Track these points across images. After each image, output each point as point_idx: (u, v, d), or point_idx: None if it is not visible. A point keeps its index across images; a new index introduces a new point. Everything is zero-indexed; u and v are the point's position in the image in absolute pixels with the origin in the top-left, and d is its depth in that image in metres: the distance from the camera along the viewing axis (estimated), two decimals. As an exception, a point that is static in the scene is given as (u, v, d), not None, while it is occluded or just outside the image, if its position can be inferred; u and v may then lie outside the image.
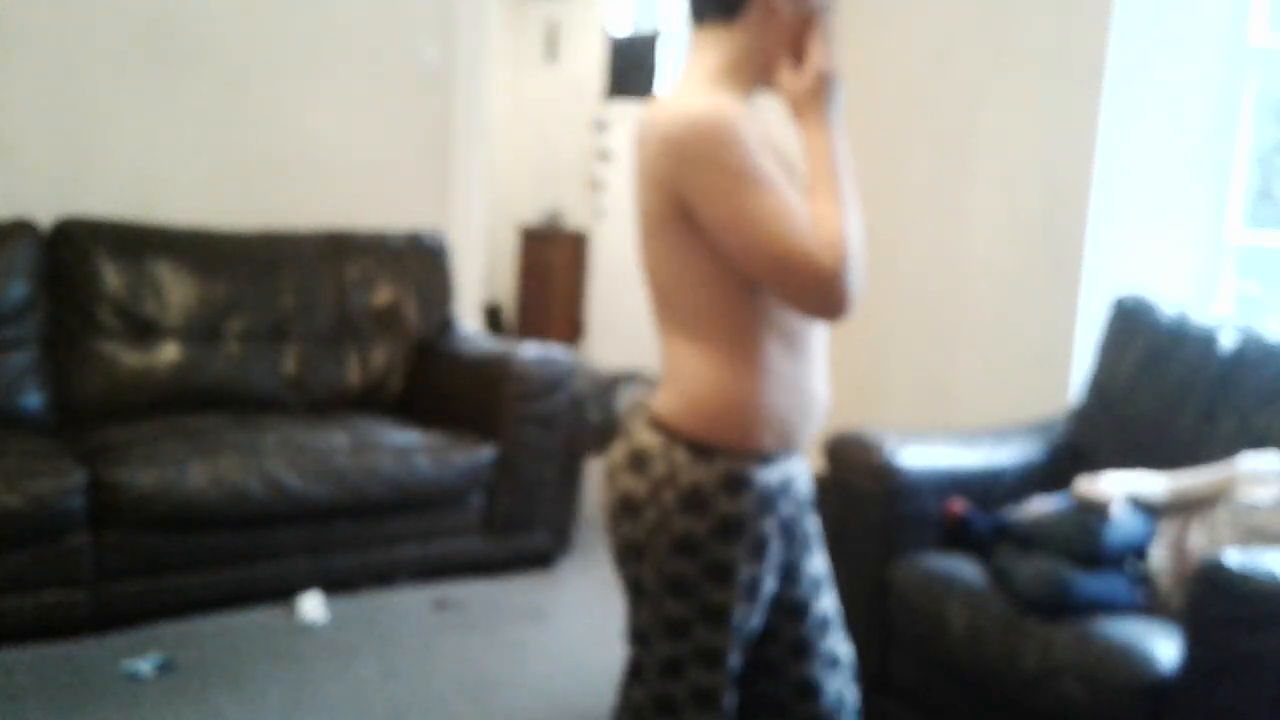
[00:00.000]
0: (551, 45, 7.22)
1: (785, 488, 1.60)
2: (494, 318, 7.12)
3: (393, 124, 4.21)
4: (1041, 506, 2.42)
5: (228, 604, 3.13)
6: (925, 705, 2.46)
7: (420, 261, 3.98)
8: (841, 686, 1.74)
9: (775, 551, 1.60)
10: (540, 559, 3.61)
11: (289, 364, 3.68)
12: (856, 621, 2.59)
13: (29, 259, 3.35)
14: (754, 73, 1.55)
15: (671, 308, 1.56)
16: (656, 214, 1.51)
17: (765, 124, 1.51)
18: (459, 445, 3.41)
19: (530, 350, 3.56)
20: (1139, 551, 2.32)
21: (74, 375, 3.37)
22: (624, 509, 1.60)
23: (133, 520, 2.92)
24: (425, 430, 3.44)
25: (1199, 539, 2.26)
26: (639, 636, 1.66)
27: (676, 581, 1.56)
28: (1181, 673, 1.99)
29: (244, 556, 3.13)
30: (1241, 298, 3.24)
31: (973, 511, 2.51)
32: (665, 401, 1.58)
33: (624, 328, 6.31)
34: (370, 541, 3.33)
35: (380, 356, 3.83)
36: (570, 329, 6.75)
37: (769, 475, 1.57)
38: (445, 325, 3.99)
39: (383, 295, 3.88)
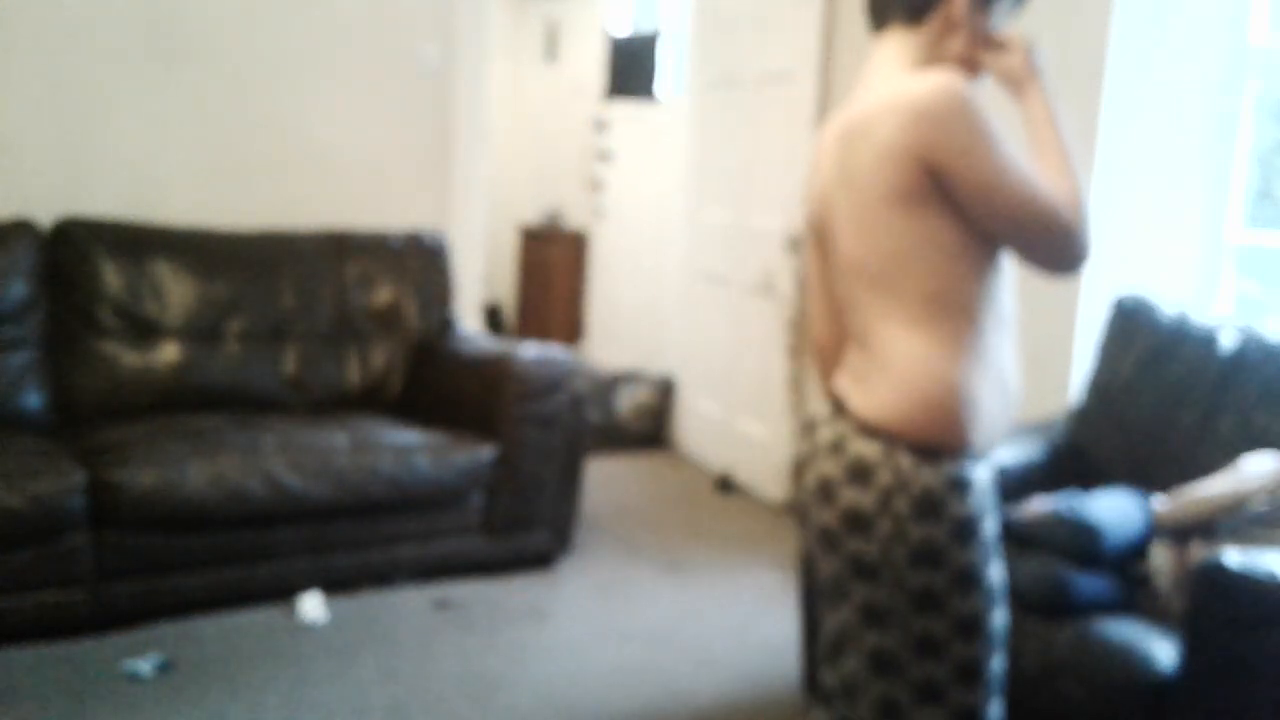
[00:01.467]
0: (551, 45, 7.22)
1: (989, 489, 1.57)
2: (494, 318, 7.13)
3: (393, 124, 4.22)
4: (1041, 506, 2.42)
5: (228, 604, 3.13)
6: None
7: (420, 261, 3.98)
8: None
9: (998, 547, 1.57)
10: (540, 559, 3.61)
11: (289, 364, 3.68)
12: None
13: (29, 259, 3.35)
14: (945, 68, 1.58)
15: (892, 294, 1.52)
16: (888, 193, 1.49)
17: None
18: (459, 445, 3.41)
19: (530, 350, 3.56)
20: (1139, 552, 2.32)
21: (74, 375, 3.37)
22: (851, 526, 1.53)
23: (133, 520, 2.92)
24: (425, 430, 3.44)
25: (1199, 542, 2.26)
26: (880, 663, 1.55)
27: (924, 594, 1.50)
28: (1181, 673, 1.99)
29: (244, 556, 3.13)
30: (1241, 298, 3.24)
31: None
32: (877, 403, 1.53)
33: (624, 328, 6.32)
34: (370, 541, 3.33)
35: (380, 356, 3.83)
36: (570, 329, 6.75)
37: (984, 474, 1.54)
38: (445, 325, 3.99)
39: (383, 295, 3.88)
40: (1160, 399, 2.70)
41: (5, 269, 3.29)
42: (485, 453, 3.43)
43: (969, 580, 1.51)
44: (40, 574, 2.82)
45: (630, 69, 6.25)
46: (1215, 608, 1.92)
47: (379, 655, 2.96)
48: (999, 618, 1.55)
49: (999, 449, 1.63)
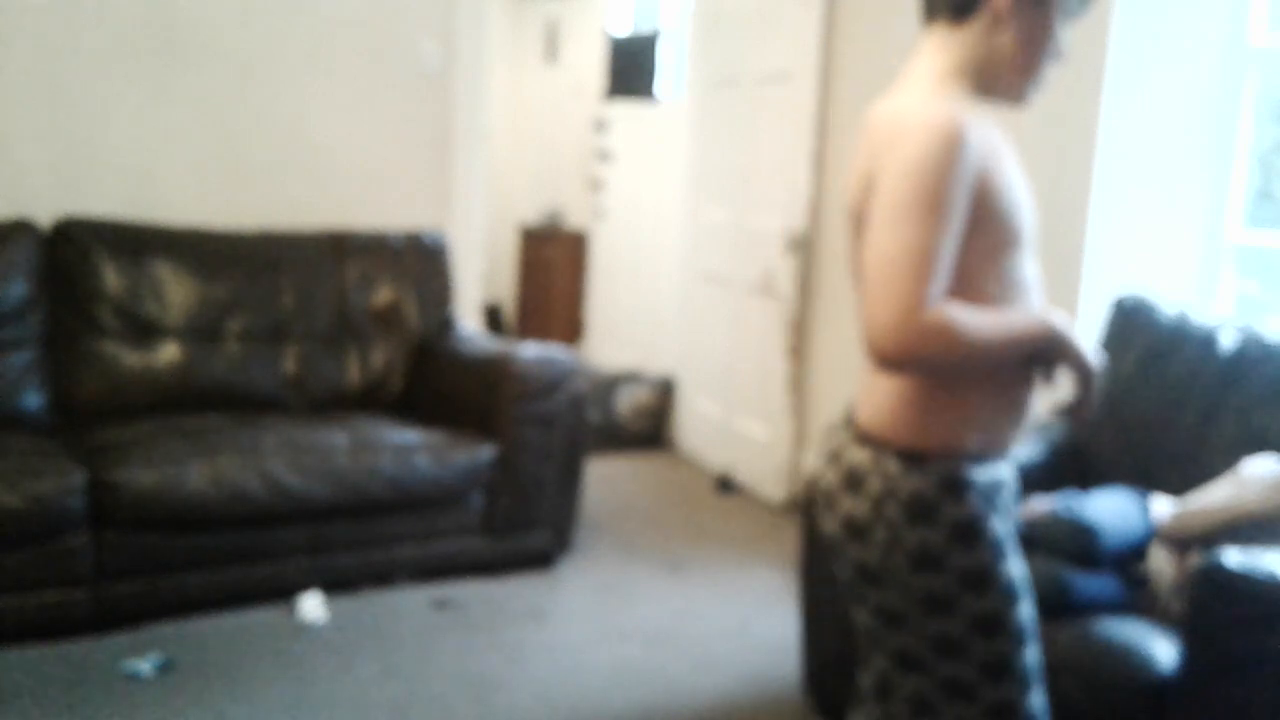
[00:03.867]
0: (551, 45, 7.22)
1: (995, 490, 1.54)
2: (494, 318, 7.12)
3: (393, 124, 4.22)
4: (1041, 506, 2.42)
5: (228, 604, 3.13)
6: (925, 705, 2.46)
7: (420, 261, 3.98)
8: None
9: (1014, 544, 1.55)
10: (540, 559, 3.61)
11: (289, 364, 3.68)
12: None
13: (29, 259, 3.35)
14: (980, 78, 1.55)
15: None
16: (864, 204, 1.50)
17: (992, 127, 1.50)
18: (459, 445, 3.41)
19: (530, 350, 3.56)
20: (1138, 552, 2.32)
21: (74, 375, 3.37)
22: (850, 534, 1.55)
23: (133, 520, 2.92)
24: (425, 430, 3.44)
25: (1199, 550, 2.26)
26: (906, 662, 1.56)
27: (931, 598, 1.50)
28: (1181, 673, 1.99)
29: (244, 556, 3.13)
30: (1241, 298, 3.24)
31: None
32: (869, 412, 1.55)
33: (624, 328, 6.32)
34: (370, 541, 3.33)
35: (380, 356, 3.84)
36: (570, 329, 6.75)
37: (987, 474, 1.52)
38: (445, 325, 3.99)
39: (383, 295, 3.88)
40: (1160, 399, 2.70)
41: (5, 269, 3.29)
42: (485, 453, 3.43)
43: (980, 580, 1.50)
44: (40, 574, 2.82)
45: (630, 69, 6.25)
46: (1215, 608, 1.92)
47: (379, 655, 2.96)
48: (1024, 611, 1.54)
49: (1010, 450, 1.59)
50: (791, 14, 4.26)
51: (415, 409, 3.70)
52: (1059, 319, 1.50)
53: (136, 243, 3.54)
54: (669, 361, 5.36)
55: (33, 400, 3.29)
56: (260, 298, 3.67)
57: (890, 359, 1.40)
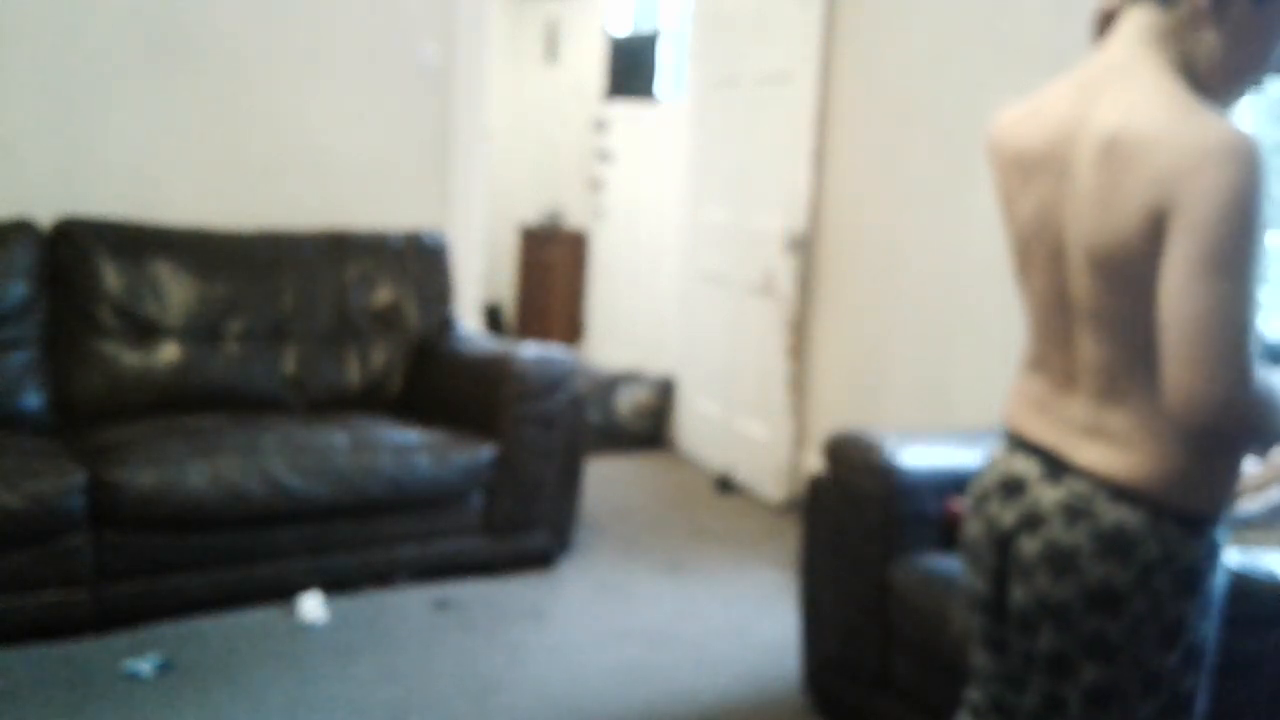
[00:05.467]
0: (551, 45, 7.22)
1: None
2: (494, 318, 7.12)
3: (393, 124, 4.22)
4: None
5: (228, 604, 3.13)
6: (925, 705, 2.46)
7: (420, 261, 3.98)
8: None
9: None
10: (540, 559, 3.61)
11: (289, 364, 3.68)
12: (857, 621, 2.59)
13: (29, 259, 3.35)
14: (1190, 73, 1.36)
15: (1152, 347, 1.29)
16: (1127, 244, 1.28)
17: None
18: (459, 445, 3.41)
19: (530, 350, 3.56)
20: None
21: (74, 375, 3.37)
22: (1096, 603, 1.36)
23: (133, 520, 2.92)
24: (425, 430, 3.44)
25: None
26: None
27: (1155, 675, 1.38)
28: (1181, 673, 1.98)
29: (244, 556, 3.13)
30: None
31: (973, 511, 2.51)
32: (1137, 464, 1.35)
33: (624, 328, 6.32)
34: (370, 541, 3.33)
35: (380, 356, 3.83)
36: (570, 329, 6.75)
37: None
38: (445, 325, 3.99)
39: (383, 295, 3.88)
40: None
41: (5, 269, 3.29)
42: (485, 453, 3.43)
43: (1197, 655, 1.40)
44: (40, 574, 2.82)
45: (630, 69, 6.25)
46: (1215, 608, 1.92)
47: (379, 655, 2.95)
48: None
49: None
50: (791, 14, 4.26)
51: (415, 409, 3.70)
52: None
53: (136, 243, 3.54)
54: (669, 361, 5.36)
55: (33, 400, 3.29)
56: (260, 298, 3.67)
57: (1211, 430, 1.26)
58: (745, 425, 4.60)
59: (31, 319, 3.34)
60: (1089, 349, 1.39)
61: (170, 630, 2.99)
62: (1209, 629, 1.41)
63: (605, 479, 4.46)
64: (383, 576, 3.37)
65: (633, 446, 5.15)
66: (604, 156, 6.48)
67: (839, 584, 2.65)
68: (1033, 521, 1.43)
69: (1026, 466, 1.47)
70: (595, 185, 6.54)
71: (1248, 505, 2.24)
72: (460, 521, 3.46)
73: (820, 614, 2.72)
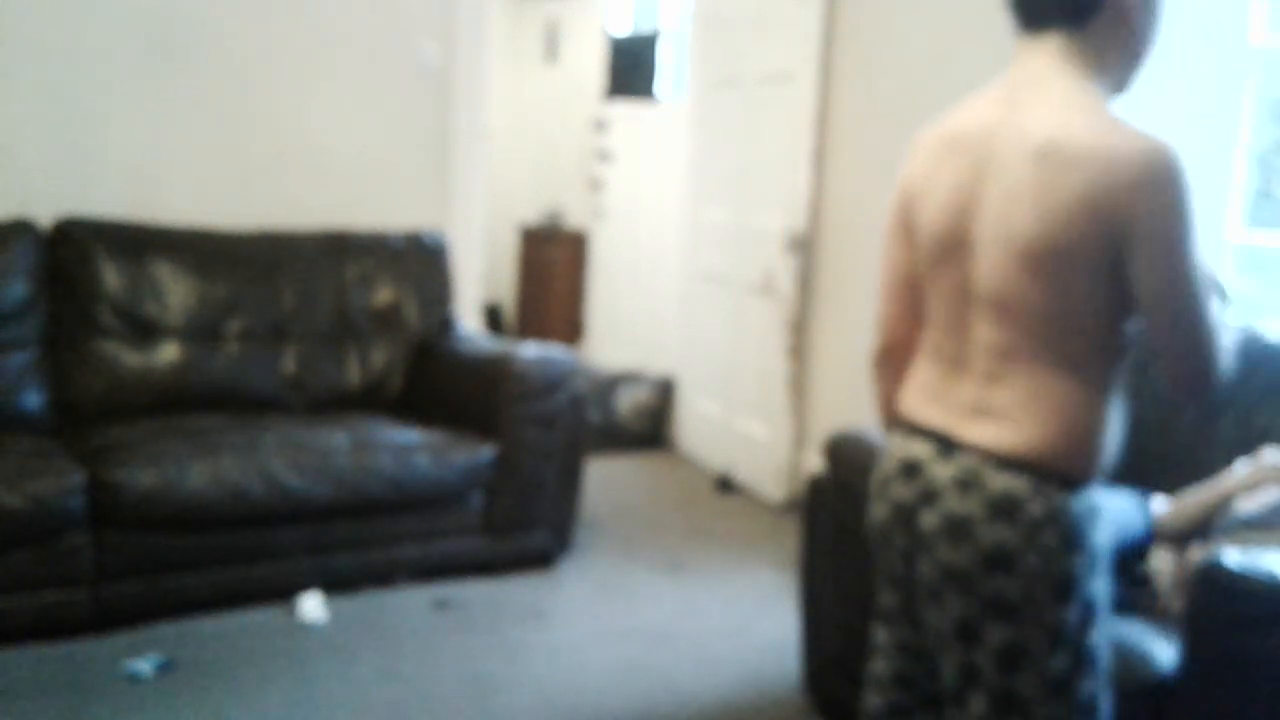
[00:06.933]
0: (551, 45, 7.22)
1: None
2: (494, 318, 7.12)
3: (393, 124, 4.22)
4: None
5: (228, 604, 3.13)
6: (925, 705, 2.46)
7: (420, 261, 3.98)
8: None
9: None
10: (540, 559, 3.61)
11: (289, 364, 3.68)
12: (857, 621, 2.59)
13: (29, 259, 3.35)
14: (1108, 78, 1.53)
15: (1051, 338, 1.48)
16: (1060, 239, 1.42)
17: None
18: (459, 445, 3.41)
19: (530, 350, 3.56)
20: (1139, 552, 2.32)
21: (74, 375, 3.37)
22: (992, 564, 1.49)
23: (133, 520, 2.92)
24: (425, 430, 3.44)
25: (1198, 545, 2.26)
26: (1012, 703, 1.52)
27: (1058, 630, 1.49)
28: (1181, 673, 1.99)
29: (244, 556, 3.13)
30: (1241, 298, 3.24)
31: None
32: (1024, 437, 1.49)
33: (624, 328, 6.32)
34: (370, 541, 3.33)
35: (380, 356, 3.83)
36: (570, 329, 6.75)
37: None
38: (445, 325, 3.99)
39: (383, 295, 3.88)
40: (1160, 399, 2.70)
41: (5, 269, 3.29)
42: (485, 453, 3.43)
43: (1093, 611, 1.51)
44: (40, 574, 2.82)
45: (630, 69, 6.25)
46: (1215, 608, 1.91)
47: (379, 655, 2.96)
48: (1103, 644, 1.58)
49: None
50: (791, 14, 4.26)
51: (415, 409, 3.70)
52: None
53: (136, 243, 3.54)
54: (669, 361, 5.36)
55: (33, 400, 3.29)
56: (260, 298, 3.67)
57: (1209, 398, 1.50)
58: (745, 425, 4.60)
59: (31, 319, 3.34)
60: (984, 333, 1.53)
61: (170, 630, 2.99)
62: (1101, 587, 1.52)
63: (605, 479, 4.46)
64: (383, 576, 3.37)
65: (633, 446, 5.15)
66: (604, 156, 6.48)
67: (839, 584, 2.65)
68: (929, 497, 1.56)
69: (922, 449, 1.59)
70: (595, 185, 6.54)
71: (1245, 505, 2.24)
72: (460, 521, 3.46)
73: (820, 614, 2.72)
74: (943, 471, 1.55)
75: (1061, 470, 1.49)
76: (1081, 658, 1.51)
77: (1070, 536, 1.48)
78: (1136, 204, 1.39)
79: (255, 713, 2.62)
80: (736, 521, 4.23)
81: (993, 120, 1.52)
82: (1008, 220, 1.47)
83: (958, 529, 1.52)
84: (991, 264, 1.49)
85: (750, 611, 3.39)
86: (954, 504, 1.52)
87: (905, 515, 1.60)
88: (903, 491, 1.61)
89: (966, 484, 1.52)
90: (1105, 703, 1.57)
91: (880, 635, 1.76)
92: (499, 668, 2.94)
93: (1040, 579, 1.48)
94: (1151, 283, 1.41)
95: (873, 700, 1.77)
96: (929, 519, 1.55)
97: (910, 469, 1.60)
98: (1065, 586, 1.48)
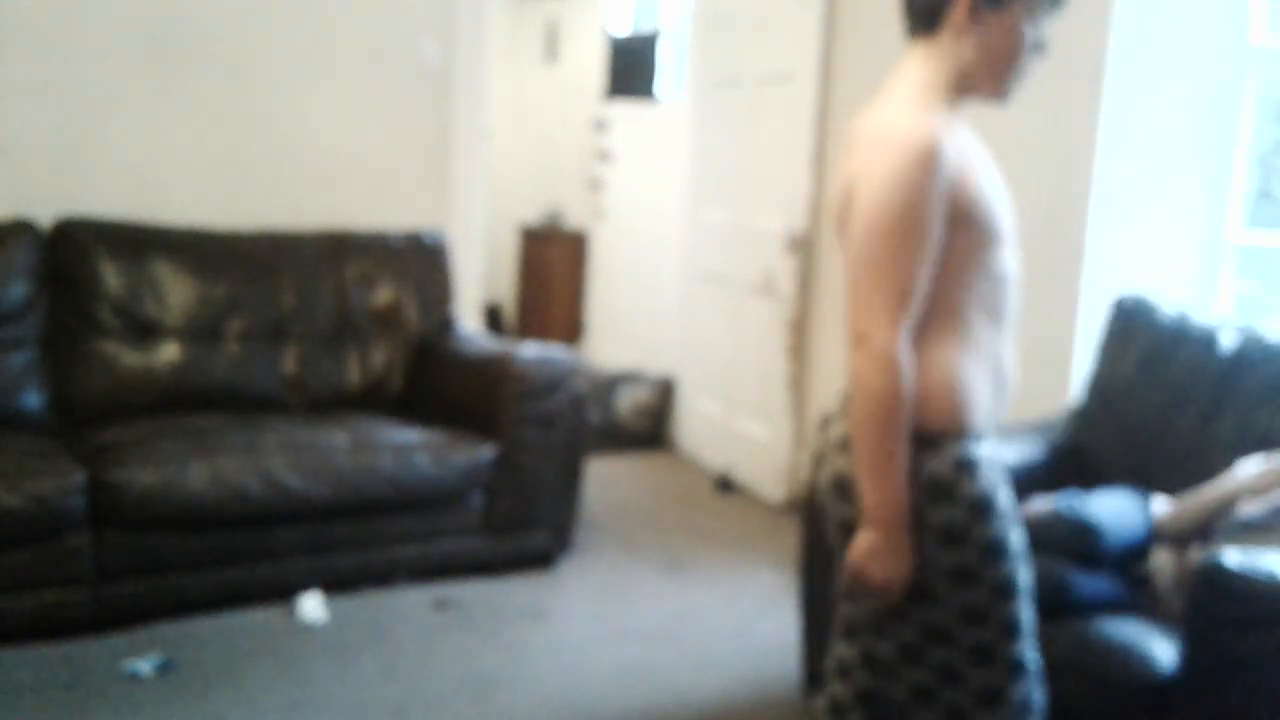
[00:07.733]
0: (551, 45, 7.22)
1: (998, 464, 1.66)
2: (494, 318, 7.12)
3: (393, 124, 4.22)
4: (1041, 506, 2.42)
5: (228, 604, 3.13)
6: (925, 705, 2.46)
7: (420, 261, 3.98)
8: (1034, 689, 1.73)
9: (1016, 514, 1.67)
10: (540, 559, 3.61)
11: (289, 364, 3.68)
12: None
13: (29, 259, 3.35)
14: (957, 85, 1.65)
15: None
16: (848, 213, 1.61)
17: (967, 134, 1.63)
18: (459, 445, 3.41)
19: (530, 350, 3.56)
20: (1139, 552, 2.32)
21: (74, 375, 3.37)
22: (839, 490, 1.67)
23: (133, 520, 2.92)
24: (425, 430, 3.44)
25: (1198, 545, 2.26)
26: (933, 635, 1.65)
27: (958, 571, 1.60)
28: (1181, 673, 1.99)
29: (244, 556, 3.13)
30: (1241, 298, 3.24)
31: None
32: None
33: (624, 328, 6.32)
34: (370, 541, 3.33)
35: (380, 356, 3.83)
36: (570, 329, 6.75)
37: (988, 451, 1.63)
38: (445, 325, 3.99)
39: (383, 295, 3.88)
40: (1160, 399, 2.70)
41: (5, 269, 3.29)
42: (485, 452, 3.43)
43: (998, 550, 1.60)
44: (40, 574, 2.82)
45: (630, 69, 6.25)
46: (1215, 608, 1.92)
47: (379, 655, 2.96)
48: (1024, 575, 1.66)
49: (994, 435, 1.70)
50: (791, 14, 4.26)
51: (415, 409, 3.70)
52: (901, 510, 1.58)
53: (136, 243, 3.54)
54: (669, 361, 5.36)
55: (33, 400, 3.29)
56: (260, 298, 3.67)
57: (862, 365, 1.56)
58: (745, 425, 4.60)
59: (31, 319, 3.34)
60: (852, 304, 1.65)
61: (170, 630, 2.99)
62: (991, 530, 1.59)
63: (605, 479, 4.46)
64: (383, 576, 3.37)
65: (633, 446, 5.15)
66: (604, 156, 6.48)
67: (839, 584, 2.64)
68: (826, 453, 1.72)
69: (834, 405, 1.75)
70: (595, 185, 6.54)
71: (1247, 508, 2.24)
72: (460, 521, 3.46)
73: (820, 614, 2.72)
74: (835, 433, 1.71)
75: (915, 426, 1.59)
76: (1000, 590, 1.61)
77: (936, 489, 1.59)
78: (865, 160, 1.57)
79: (255, 713, 2.62)
80: (736, 521, 4.23)
81: (859, 123, 1.69)
82: (856, 203, 1.62)
83: (843, 486, 1.67)
84: (847, 242, 1.66)
85: (750, 612, 3.39)
86: (840, 464, 1.68)
87: (815, 465, 1.78)
88: (816, 442, 1.79)
89: (845, 443, 1.67)
90: (1008, 613, 1.64)
91: (844, 609, 1.86)
92: (499, 668, 2.94)
93: (920, 531, 1.60)
94: (853, 236, 1.58)
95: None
96: (823, 474, 1.73)
97: (823, 422, 1.78)
98: (952, 535, 1.59)
